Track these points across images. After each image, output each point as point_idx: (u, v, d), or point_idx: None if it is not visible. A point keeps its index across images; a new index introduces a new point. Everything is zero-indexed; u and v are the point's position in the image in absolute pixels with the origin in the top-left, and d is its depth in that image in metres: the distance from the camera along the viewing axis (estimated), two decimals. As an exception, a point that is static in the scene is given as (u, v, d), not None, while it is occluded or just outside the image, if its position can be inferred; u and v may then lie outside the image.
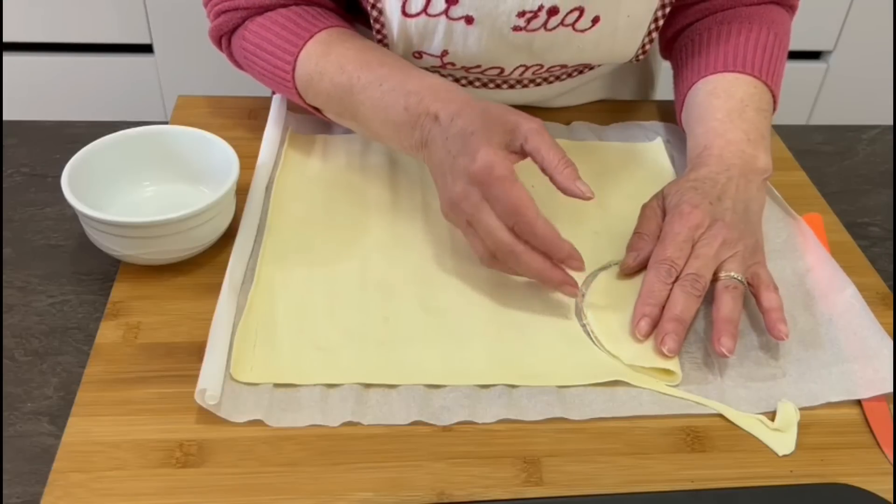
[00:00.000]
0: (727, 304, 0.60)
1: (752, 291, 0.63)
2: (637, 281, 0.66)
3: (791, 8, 0.82)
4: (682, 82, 0.79)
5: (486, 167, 0.59)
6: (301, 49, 0.71)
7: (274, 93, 0.82)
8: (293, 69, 0.71)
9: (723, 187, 0.66)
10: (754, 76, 0.74)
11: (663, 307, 0.61)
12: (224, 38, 0.77)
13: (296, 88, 0.72)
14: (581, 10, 0.71)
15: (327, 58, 0.70)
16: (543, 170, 0.61)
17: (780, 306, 0.61)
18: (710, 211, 0.64)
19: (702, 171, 0.67)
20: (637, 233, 0.66)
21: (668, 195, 0.66)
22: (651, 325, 0.60)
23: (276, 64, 0.72)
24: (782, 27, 0.78)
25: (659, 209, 0.67)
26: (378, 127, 0.68)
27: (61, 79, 1.63)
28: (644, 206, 0.68)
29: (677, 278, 0.61)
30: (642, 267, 0.64)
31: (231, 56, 0.78)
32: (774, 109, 0.76)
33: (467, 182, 0.60)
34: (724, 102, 0.72)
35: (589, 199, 0.60)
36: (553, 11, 0.71)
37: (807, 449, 0.56)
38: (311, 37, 0.71)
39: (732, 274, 0.61)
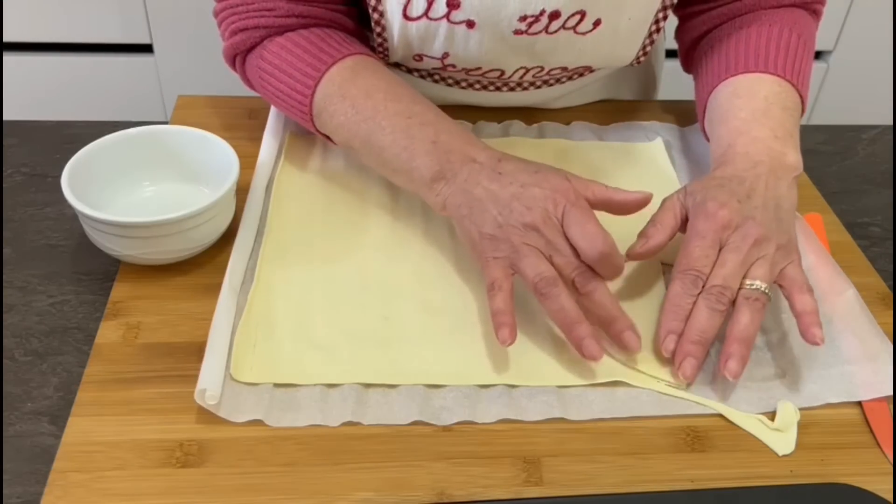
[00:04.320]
0: (744, 320, 0.58)
1: (784, 293, 0.60)
2: (639, 283, 0.66)
3: (815, 13, 0.79)
4: (702, 88, 0.76)
5: (573, 190, 0.60)
6: (325, 73, 0.69)
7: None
8: (313, 92, 0.69)
9: (751, 185, 0.63)
10: (778, 75, 0.71)
11: None
12: (239, 56, 0.75)
13: (310, 112, 0.70)
14: (583, 14, 0.71)
15: (353, 83, 0.68)
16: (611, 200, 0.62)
17: (815, 310, 0.58)
18: (739, 210, 0.61)
19: (728, 170, 0.65)
20: (652, 220, 0.64)
21: (693, 192, 0.63)
22: (677, 343, 0.59)
23: (294, 86, 0.70)
24: (806, 29, 0.76)
25: (679, 204, 0.64)
26: (393, 153, 0.66)
27: (61, 79, 1.63)
28: (665, 199, 0.65)
29: (703, 287, 0.59)
30: (648, 255, 0.63)
31: (244, 75, 0.76)
32: (803, 110, 0.73)
33: (547, 207, 0.59)
34: (748, 102, 0.70)
35: (649, 197, 0.63)
36: (555, 15, 0.71)
37: (807, 449, 0.56)
38: (335, 62, 0.69)
39: (757, 284, 0.59)
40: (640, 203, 0.63)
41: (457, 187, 0.63)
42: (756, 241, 0.59)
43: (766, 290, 0.59)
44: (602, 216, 0.61)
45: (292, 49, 0.71)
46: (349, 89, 0.68)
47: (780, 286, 0.61)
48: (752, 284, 0.59)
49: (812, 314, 0.58)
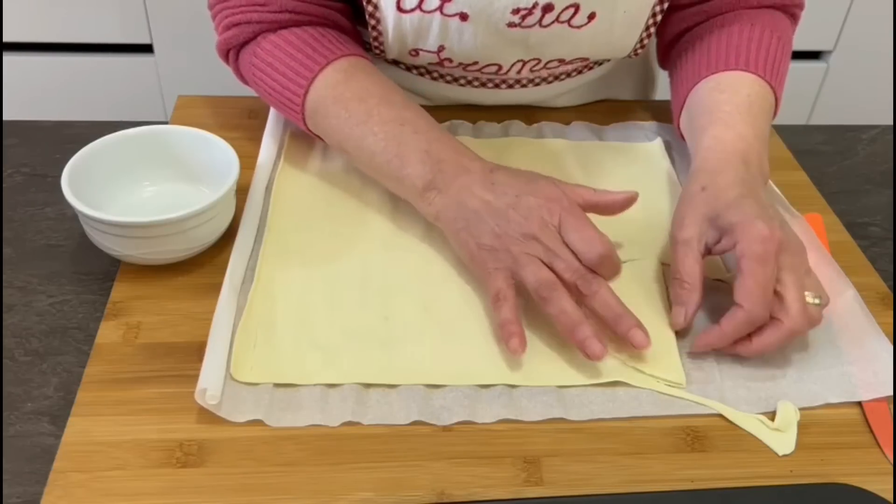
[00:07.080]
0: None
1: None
2: (640, 283, 0.66)
3: (794, 17, 0.80)
4: (681, 84, 0.76)
5: (566, 197, 0.62)
6: (317, 74, 0.69)
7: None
8: (305, 93, 0.69)
9: (756, 190, 0.62)
10: (758, 75, 0.71)
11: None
12: (232, 51, 0.75)
13: (302, 112, 0.71)
14: (576, 7, 0.71)
15: (347, 85, 0.69)
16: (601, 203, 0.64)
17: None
18: (781, 238, 0.59)
19: (728, 176, 0.63)
20: (677, 280, 0.61)
21: (715, 216, 0.61)
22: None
23: (287, 86, 0.70)
24: (785, 33, 0.76)
25: (695, 241, 0.61)
26: (384, 160, 0.66)
27: (61, 79, 1.63)
28: (676, 242, 0.62)
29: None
30: (691, 320, 0.61)
31: (237, 70, 0.76)
32: (775, 113, 0.73)
33: (543, 216, 0.61)
34: (731, 97, 0.70)
35: (633, 197, 0.64)
36: (548, 8, 0.71)
37: (807, 449, 0.56)
38: (328, 63, 0.69)
39: (816, 301, 0.59)
40: (626, 203, 0.64)
41: (450, 199, 0.63)
42: (803, 266, 0.60)
43: (822, 303, 0.59)
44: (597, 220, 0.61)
45: (286, 47, 0.71)
46: (342, 92, 0.68)
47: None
48: (812, 302, 0.59)
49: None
